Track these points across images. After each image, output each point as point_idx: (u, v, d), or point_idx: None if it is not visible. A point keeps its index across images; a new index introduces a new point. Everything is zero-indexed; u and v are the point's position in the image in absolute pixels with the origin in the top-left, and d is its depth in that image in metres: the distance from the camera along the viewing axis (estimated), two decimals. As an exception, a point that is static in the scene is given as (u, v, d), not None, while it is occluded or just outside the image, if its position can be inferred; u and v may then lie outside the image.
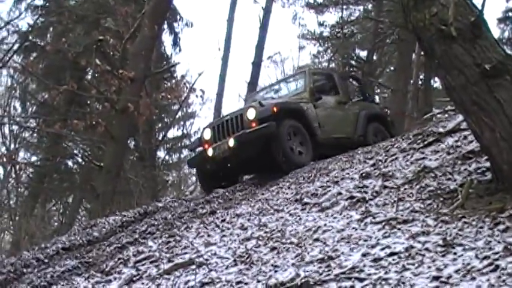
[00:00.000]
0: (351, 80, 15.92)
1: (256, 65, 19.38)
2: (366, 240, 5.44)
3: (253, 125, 10.18)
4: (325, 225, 6.23)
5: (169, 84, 21.21)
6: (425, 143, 7.90)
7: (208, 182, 10.93)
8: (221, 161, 10.49)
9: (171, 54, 22.26)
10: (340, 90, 12.27)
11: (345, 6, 24.32)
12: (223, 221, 7.92)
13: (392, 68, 26.55)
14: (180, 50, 22.17)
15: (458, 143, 7.34)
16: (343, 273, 4.80)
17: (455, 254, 4.66)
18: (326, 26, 25.54)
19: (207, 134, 10.83)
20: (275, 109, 10.25)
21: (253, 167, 11.21)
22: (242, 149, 10.21)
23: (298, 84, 12.00)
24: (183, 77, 23.04)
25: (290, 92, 11.97)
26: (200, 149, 10.92)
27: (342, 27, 23.98)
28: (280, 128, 10.12)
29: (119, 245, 8.49)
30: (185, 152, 25.64)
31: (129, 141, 18.29)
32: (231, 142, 10.18)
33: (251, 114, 10.29)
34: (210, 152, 10.45)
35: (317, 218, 6.66)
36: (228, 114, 11.02)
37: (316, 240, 5.86)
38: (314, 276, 4.85)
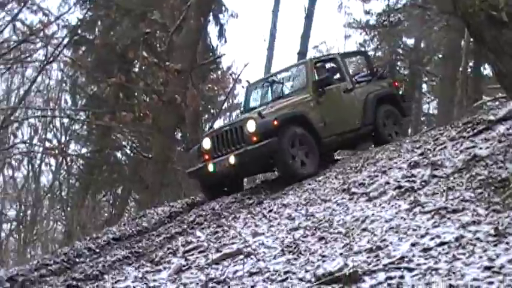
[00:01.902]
0: (358, 56, 15.32)
1: (302, 55, 19.27)
2: (414, 230, 5.38)
3: (254, 138, 9.74)
4: (373, 215, 6.18)
5: (215, 75, 21.33)
6: (476, 131, 7.73)
7: (211, 191, 10.52)
8: (222, 177, 10.21)
9: (217, 46, 22.30)
10: (346, 75, 11.61)
11: (392, -6, 24.00)
12: (270, 211, 7.94)
13: (440, 56, 26.09)
14: (225, 41, 22.19)
15: (510, 131, 7.17)
16: (392, 263, 4.76)
17: (507, 243, 4.57)
18: (372, 14, 25.25)
19: (207, 144, 10.42)
20: (276, 123, 9.76)
21: (257, 173, 11.11)
22: (243, 167, 9.94)
23: (300, 78, 11.37)
24: (228, 68, 23.15)
25: (291, 88, 11.42)
26: (200, 165, 10.42)
27: (389, 15, 23.69)
28: (282, 141, 9.69)
29: (168, 235, 8.59)
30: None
31: (176, 133, 18.45)
32: (232, 159, 9.78)
33: (251, 126, 9.81)
34: (210, 168, 10.06)
35: (365, 207, 6.62)
36: (227, 124, 10.62)
37: (364, 230, 5.82)
38: (362, 266, 4.82)
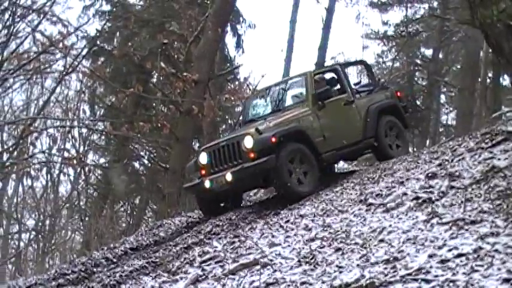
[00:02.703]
0: (359, 66, 15.10)
1: (319, 66, 19.26)
2: (432, 241, 5.35)
3: (251, 155, 9.52)
4: (390, 226, 6.16)
5: (232, 86, 21.37)
6: (494, 142, 7.68)
7: (208, 207, 10.34)
8: (219, 194, 10.01)
9: (234, 56, 22.38)
10: (347, 87, 11.23)
11: (409, 4, 23.96)
12: (287, 221, 7.93)
13: (458, 66, 25.99)
14: (243, 52, 22.27)
15: (529, 142, 7.12)
16: (409, 274, 4.73)
17: (526, 255, 4.54)
18: (390, 25, 25.26)
19: (203, 159, 10.15)
20: (273, 140, 9.50)
21: (255, 189, 10.96)
22: (240, 184, 9.74)
23: (299, 91, 11.08)
24: (246, 78, 23.17)
25: (291, 101, 11.12)
26: (197, 180, 10.20)
27: (407, 25, 23.61)
28: (280, 159, 9.45)
29: (185, 246, 8.60)
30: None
31: (193, 143, 18.50)
32: (228, 177, 9.56)
33: (248, 143, 9.58)
34: (207, 184, 9.82)
35: (382, 218, 6.59)
36: (224, 139, 10.30)
37: (381, 241, 5.80)
38: (379, 277, 4.80)
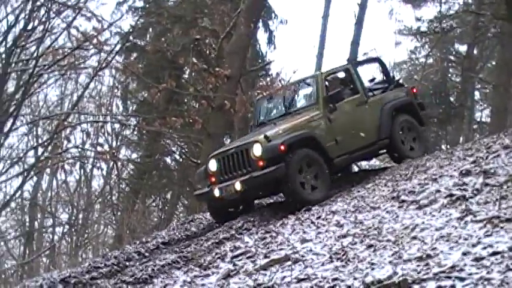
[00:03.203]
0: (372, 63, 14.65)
1: (351, 62, 19.14)
2: (466, 239, 5.29)
3: (260, 163, 9.39)
4: (423, 223, 6.11)
5: (264, 81, 21.36)
6: (530, 139, 7.58)
7: (219, 214, 10.15)
8: (229, 202, 9.89)
9: (266, 52, 22.37)
10: (360, 87, 10.95)
11: (443, 0, 23.66)
12: (318, 217, 7.92)
13: (493, 63, 25.60)
14: (274, 48, 22.25)
15: None
16: (443, 272, 4.69)
17: (563, 254, 4.46)
18: (423, 20, 24.92)
19: (213, 166, 10.01)
20: (283, 148, 9.33)
21: (266, 197, 10.68)
22: (249, 192, 9.61)
23: (310, 93, 10.83)
24: (277, 74, 23.12)
25: (301, 104, 10.90)
26: (206, 189, 10.06)
27: (441, 21, 23.34)
28: (289, 167, 9.29)
29: (216, 240, 8.64)
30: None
31: (225, 138, 18.55)
32: (238, 186, 9.42)
33: (257, 150, 9.44)
34: (216, 193, 9.67)
35: (415, 215, 6.54)
36: (233, 147, 10.09)
37: (414, 238, 5.75)
38: (412, 275, 4.76)
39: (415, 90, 11.92)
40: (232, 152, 9.84)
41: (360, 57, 18.63)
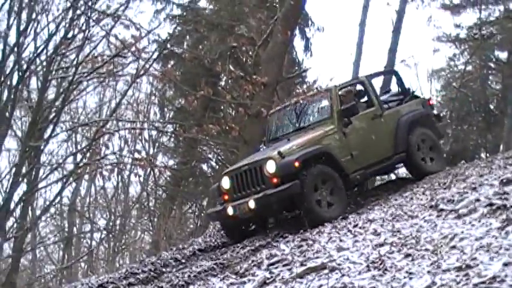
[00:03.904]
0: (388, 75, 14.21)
1: (388, 69, 19.00)
2: (507, 250, 5.18)
3: (274, 180, 9.17)
4: (462, 232, 6.01)
5: (300, 89, 21.33)
6: None
7: (233, 233, 9.99)
8: (243, 221, 9.71)
9: (303, 59, 22.31)
10: (375, 99, 10.77)
11: (483, 6, 23.33)
12: (355, 226, 7.86)
13: (534, 70, 25.13)
14: (311, 55, 22.16)
15: None
16: (483, 282, 4.60)
17: None
18: (463, 27, 24.66)
19: (226, 183, 9.83)
20: (297, 164, 9.10)
21: (281, 214, 10.29)
22: (263, 211, 9.42)
23: (324, 107, 10.60)
24: (314, 82, 23.09)
25: (315, 118, 10.66)
26: (220, 207, 9.84)
27: (480, 28, 23.04)
28: (304, 184, 9.05)
29: (252, 248, 8.65)
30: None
31: (261, 145, 18.57)
32: (252, 204, 9.19)
33: (271, 167, 9.24)
34: (230, 211, 9.47)
35: (453, 225, 6.44)
36: (246, 164, 9.84)
37: (453, 247, 5.66)
38: (451, 285, 4.69)
39: (431, 102, 11.74)
40: (245, 169, 9.63)
41: (416, 63, 18.49)
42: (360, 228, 7.62)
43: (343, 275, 5.76)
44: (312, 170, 9.24)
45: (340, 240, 7.20)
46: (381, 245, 6.46)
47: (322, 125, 10.26)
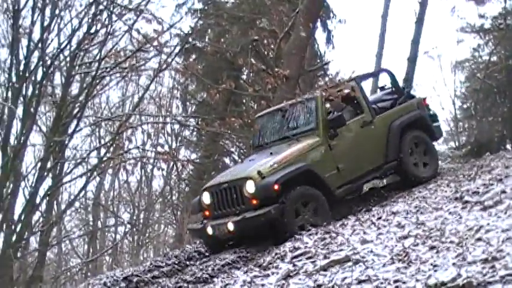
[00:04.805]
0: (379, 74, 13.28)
1: (412, 61, 18.83)
2: (534, 241, 5.13)
3: (253, 202, 8.81)
4: (488, 224, 5.96)
5: (322, 81, 21.26)
6: None
7: (213, 248, 9.52)
8: (222, 240, 9.32)
9: (325, 52, 22.21)
10: (365, 105, 10.24)
11: (508, -4, 23.02)
12: (379, 218, 7.83)
13: (561, 59, 24.77)
14: (333, 48, 22.06)
15: None
16: (510, 275, 4.56)
17: None
18: (487, 17, 24.34)
19: (206, 199, 9.50)
20: (276, 187, 8.68)
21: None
22: (242, 233, 8.98)
23: (309, 117, 10.00)
24: (336, 74, 23.02)
25: (300, 129, 10.03)
26: (200, 225, 9.52)
27: (505, 18, 22.73)
28: (284, 209, 8.65)
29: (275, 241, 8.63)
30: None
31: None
32: (230, 226, 8.86)
33: (250, 188, 8.86)
34: (209, 231, 9.15)
35: (479, 217, 6.39)
36: (226, 181, 9.40)
37: (479, 239, 5.61)
38: (477, 277, 4.65)
39: (426, 102, 11.20)
40: (225, 187, 9.27)
41: (440, 55, 18.20)
42: (384, 220, 7.60)
43: (367, 268, 5.75)
44: (292, 194, 8.80)
45: (364, 233, 7.18)
46: (405, 237, 6.43)
47: (307, 136, 9.77)
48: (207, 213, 9.54)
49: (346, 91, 10.13)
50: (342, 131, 9.73)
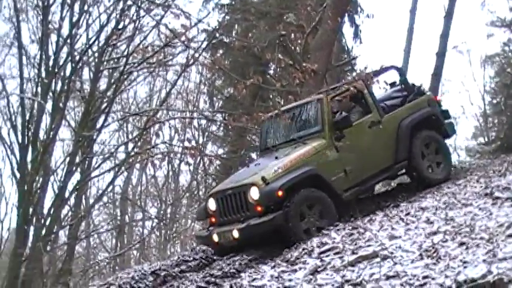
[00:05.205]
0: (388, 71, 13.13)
1: (441, 56, 18.63)
2: None
3: (258, 208, 8.68)
4: (519, 220, 5.88)
5: (350, 76, 21.15)
6: None
7: (219, 252, 9.30)
8: (228, 248, 9.09)
9: (352, 47, 22.10)
10: (373, 105, 9.95)
11: (539, -11, 22.67)
12: (407, 214, 7.77)
13: None
14: (361, 42, 21.91)
15: None
16: (542, 272, 4.49)
17: None
18: (517, 11, 24.02)
19: (212, 205, 9.34)
20: (280, 193, 8.54)
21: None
22: (247, 240, 8.80)
23: (315, 119, 9.78)
24: (365, 68, 22.87)
25: (306, 131, 9.81)
26: (206, 232, 9.39)
27: (536, 11, 22.41)
28: (289, 215, 8.51)
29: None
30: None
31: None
32: (235, 234, 8.72)
33: (255, 194, 8.72)
34: (215, 238, 9.02)
35: (510, 213, 6.30)
36: (231, 187, 9.24)
37: (510, 236, 5.54)
38: (508, 274, 4.58)
39: (437, 98, 10.88)
40: (230, 193, 9.13)
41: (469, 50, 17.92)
42: (412, 216, 7.54)
43: (395, 264, 5.71)
44: (296, 197, 8.65)
45: (392, 229, 7.13)
46: (434, 233, 6.37)
47: (313, 138, 9.55)
48: (213, 219, 9.43)
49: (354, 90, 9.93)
50: (349, 132, 9.48)
